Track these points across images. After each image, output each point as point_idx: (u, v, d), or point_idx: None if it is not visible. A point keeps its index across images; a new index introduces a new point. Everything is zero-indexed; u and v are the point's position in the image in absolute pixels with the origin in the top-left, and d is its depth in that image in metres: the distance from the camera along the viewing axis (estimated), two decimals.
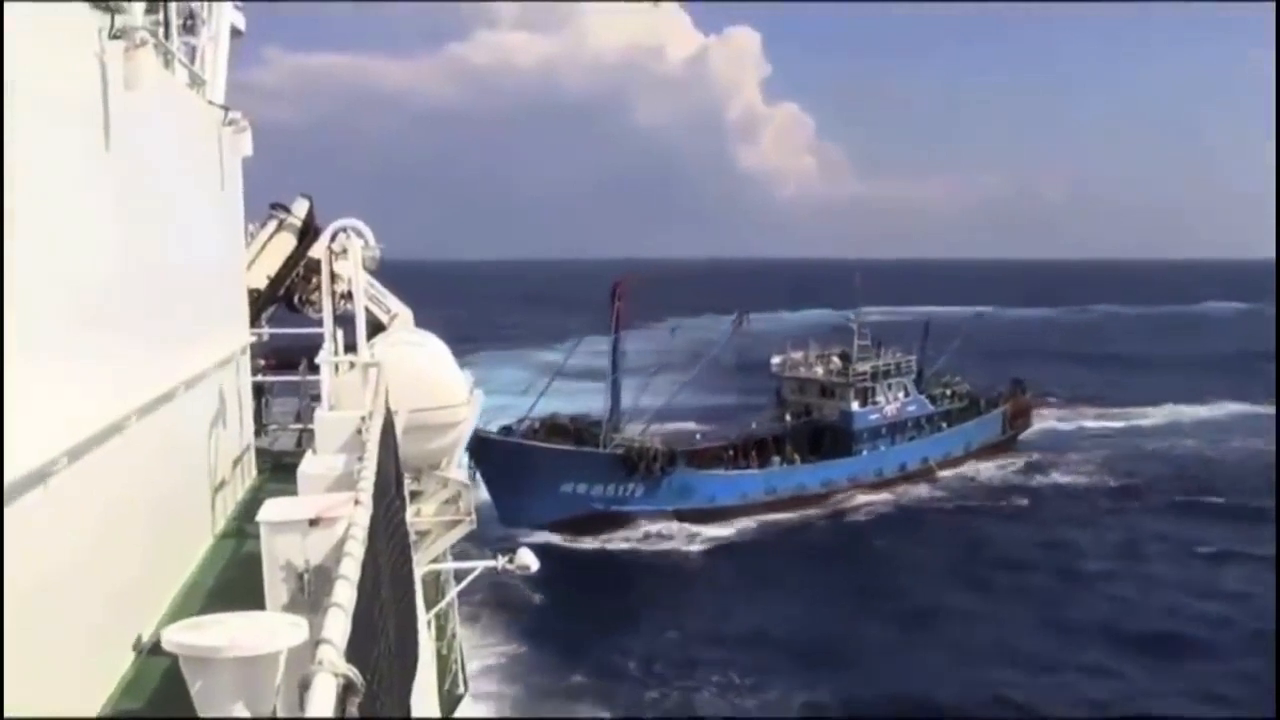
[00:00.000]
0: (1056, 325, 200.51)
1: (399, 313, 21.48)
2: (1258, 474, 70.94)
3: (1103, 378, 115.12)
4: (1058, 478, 73.53)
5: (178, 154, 12.35)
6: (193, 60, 14.97)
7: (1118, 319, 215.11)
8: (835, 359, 72.58)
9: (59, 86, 7.83)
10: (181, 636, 3.83)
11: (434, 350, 15.27)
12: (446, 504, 15.37)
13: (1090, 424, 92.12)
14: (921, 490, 70.23)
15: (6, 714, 6.51)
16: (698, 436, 67.66)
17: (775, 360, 74.19)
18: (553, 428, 60.73)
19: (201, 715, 3.95)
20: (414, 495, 15.14)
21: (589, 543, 57.68)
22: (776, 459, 66.45)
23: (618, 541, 58.99)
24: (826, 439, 69.21)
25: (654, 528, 60.47)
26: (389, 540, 7.34)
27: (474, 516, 15.22)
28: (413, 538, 14.42)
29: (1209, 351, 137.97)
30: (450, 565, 18.32)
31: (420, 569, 15.56)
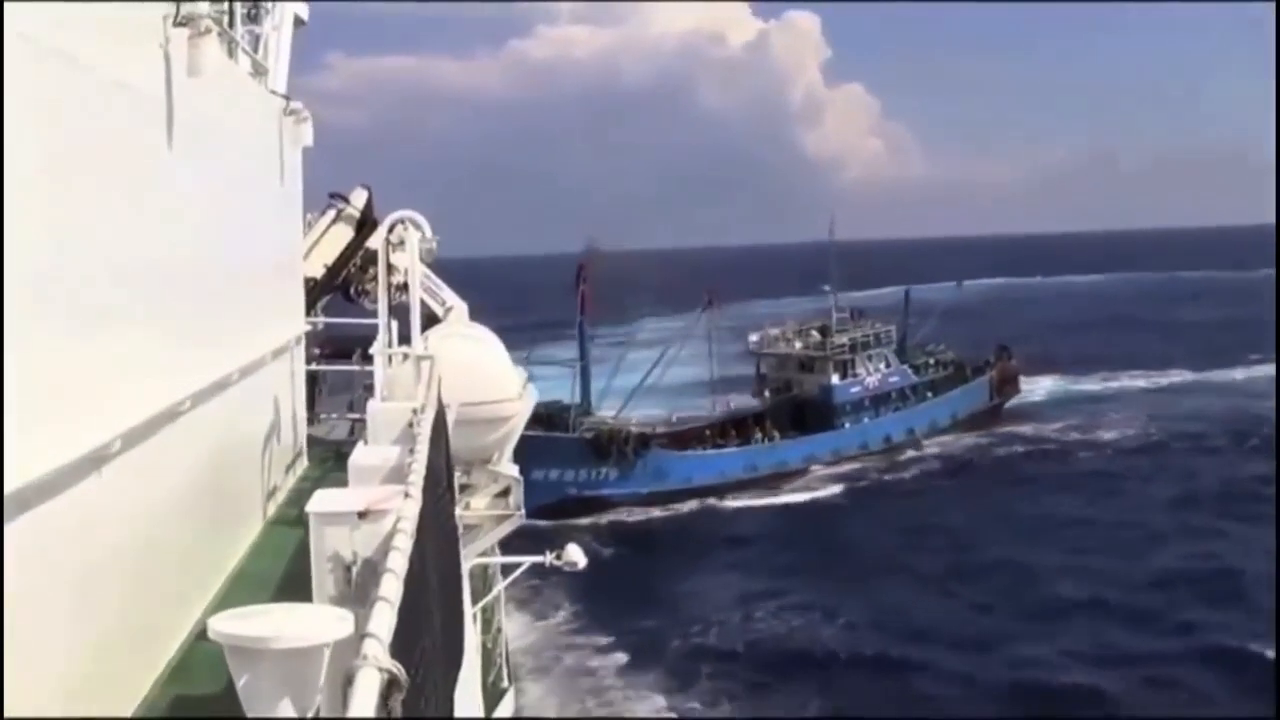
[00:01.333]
0: (1103, 293, 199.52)
1: (454, 305, 21.52)
2: None
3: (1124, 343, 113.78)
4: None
5: (239, 142, 12.42)
6: (256, 49, 15.05)
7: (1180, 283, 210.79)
8: (814, 333, 71.83)
9: (123, 72, 7.88)
10: (228, 626, 3.82)
11: (488, 344, 15.30)
12: (496, 498, 15.40)
13: (1076, 387, 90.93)
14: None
15: (57, 693, 6.55)
16: (673, 419, 66.16)
17: (753, 338, 73.54)
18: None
19: (246, 706, 3.94)
20: (464, 489, 15.19)
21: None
22: (759, 436, 65.39)
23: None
24: (808, 414, 68.17)
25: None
26: (437, 534, 7.33)
27: (523, 511, 15.23)
28: (461, 531, 14.49)
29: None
30: (498, 559, 18.36)
31: (468, 562, 15.61)
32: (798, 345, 71.48)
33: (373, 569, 5.27)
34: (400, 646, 4.19)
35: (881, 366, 72.09)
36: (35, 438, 6.05)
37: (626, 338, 70.82)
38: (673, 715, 35.11)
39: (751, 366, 74.37)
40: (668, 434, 63.81)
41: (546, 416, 58.65)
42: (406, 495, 5.65)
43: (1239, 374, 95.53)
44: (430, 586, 5.88)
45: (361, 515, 5.49)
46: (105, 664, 7.37)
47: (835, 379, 69.20)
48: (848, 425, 68.98)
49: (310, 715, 4.03)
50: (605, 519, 58.44)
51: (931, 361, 76.67)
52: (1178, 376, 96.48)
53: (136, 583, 8.02)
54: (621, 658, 39.90)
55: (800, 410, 68.61)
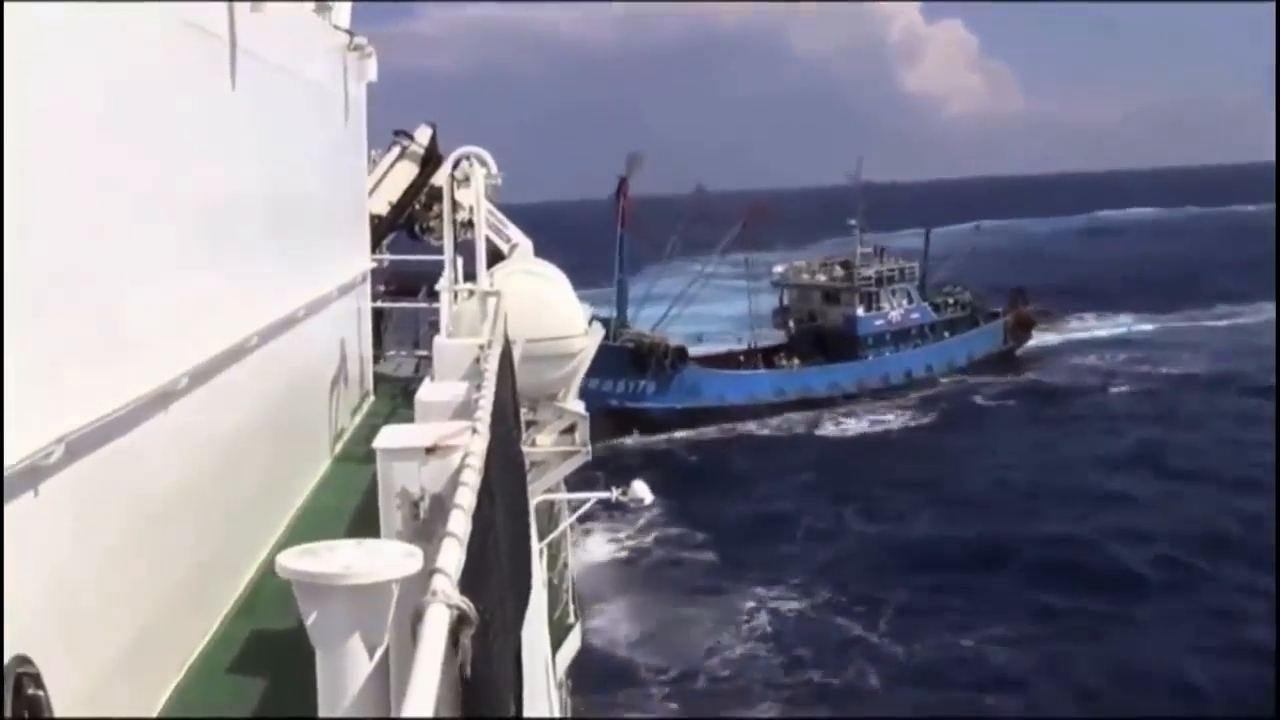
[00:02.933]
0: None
1: (519, 243, 21.47)
2: None
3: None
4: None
5: (303, 78, 12.36)
6: None
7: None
8: (837, 267, 72.01)
9: (186, 10, 7.82)
10: (297, 563, 3.77)
11: (553, 280, 15.21)
12: (563, 435, 15.38)
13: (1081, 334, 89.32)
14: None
15: (128, 628, 6.61)
16: (700, 339, 66.40)
17: (778, 269, 73.64)
18: None
19: (315, 642, 3.92)
20: (530, 425, 15.18)
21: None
22: (784, 363, 66.31)
23: None
24: (830, 344, 68.72)
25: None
26: (505, 470, 7.29)
27: (589, 447, 15.21)
28: (528, 468, 14.50)
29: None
30: (564, 496, 18.39)
31: (534, 499, 15.64)
32: (821, 277, 72.04)
33: (440, 505, 5.23)
34: (469, 583, 4.14)
35: (904, 302, 72.29)
36: (100, 377, 6.07)
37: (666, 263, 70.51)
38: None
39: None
40: (699, 357, 64.42)
41: None
42: (474, 431, 5.58)
43: None
44: (498, 523, 5.84)
45: (429, 451, 5.43)
46: (176, 600, 7.43)
47: (860, 311, 69.59)
48: (870, 357, 69.41)
49: (380, 651, 4.00)
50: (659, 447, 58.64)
51: (950, 301, 76.75)
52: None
53: (207, 518, 8.08)
54: None
55: (822, 340, 69.29)
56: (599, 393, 56.90)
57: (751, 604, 39.00)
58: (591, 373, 52.71)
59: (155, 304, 7.06)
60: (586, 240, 69.62)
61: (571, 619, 19.95)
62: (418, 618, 3.42)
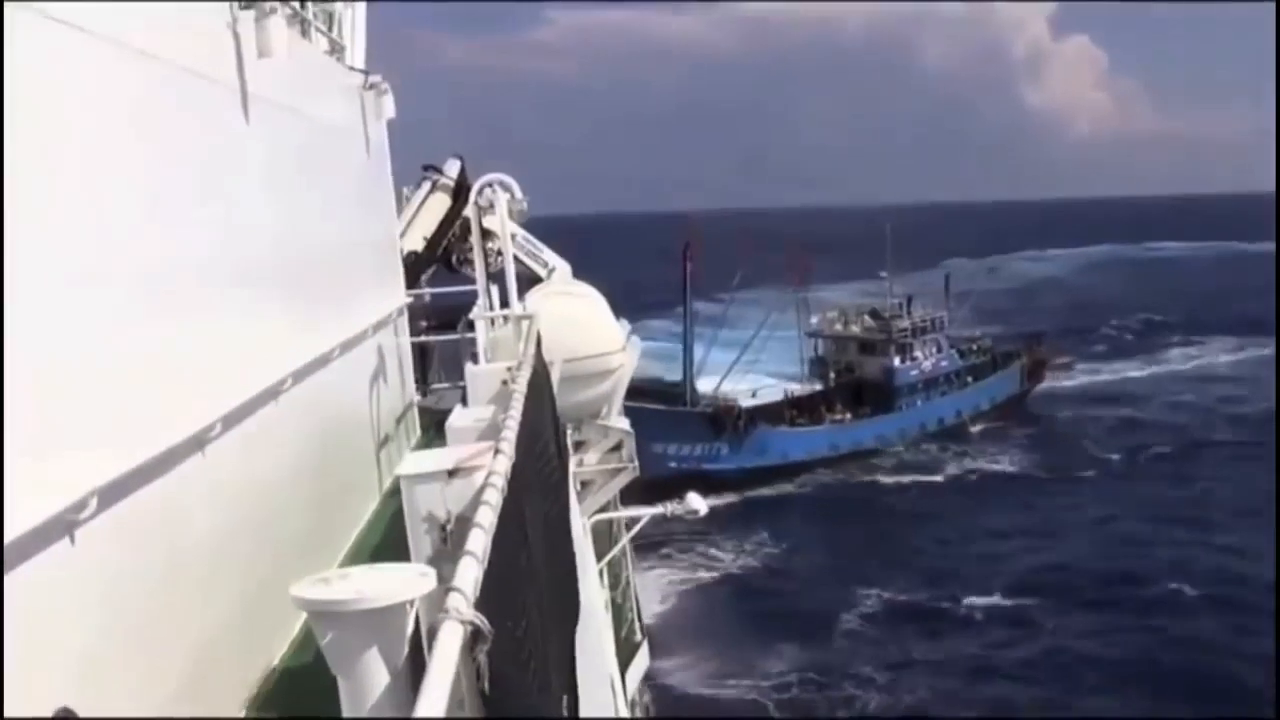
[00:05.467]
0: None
1: (556, 266, 21.53)
2: None
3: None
4: None
5: (319, 121, 12.46)
6: (330, 28, 15.09)
7: None
8: (867, 317, 73.93)
9: (193, 58, 7.90)
10: (310, 591, 3.79)
11: (588, 299, 15.24)
12: (610, 453, 15.39)
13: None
14: None
15: (171, 679, 6.64)
16: (753, 396, 67.36)
17: (814, 320, 75.15)
18: (633, 389, 59.76)
19: (332, 666, 3.93)
20: (578, 445, 15.19)
21: None
22: (828, 416, 67.74)
23: None
24: (868, 395, 70.23)
25: None
26: (540, 489, 7.27)
27: (636, 464, 15.20)
28: (577, 487, 14.49)
29: None
30: (620, 514, 18.37)
31: (589, 518, 15.62)
32: (854, 329, 73.88)
33: (466, 527, 5.23)
34: (495, 600, 4.13)
35: (934, 351, 74.17)
36: (131, 427, 6.12)
37: (723, 309, 71.79)
38: None
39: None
40: (756, 411, 65.71)
41: (660, 392, 60.32)
42: (497, 451, 5.59)
43: None
44: (530, 541, 5.83)
45: (452, 473, 5.45)
46: (221, 648, 7.45)
47: (896, 361, 71.21)
48: (904, 407, 71.17)
49: (400, 672, 4.00)
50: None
51: (974, 348, 79.34)
52: None
53: (250, 564, 8.12)
54: None
55: (860, 391, 70.83)
56: (678, 455, 59.25)
57: None
58: (672, 436, 53.82)
59: (181, 352, 7.11)
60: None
61: (639, 636, 19.92)
62: (431, 635, 3.43)
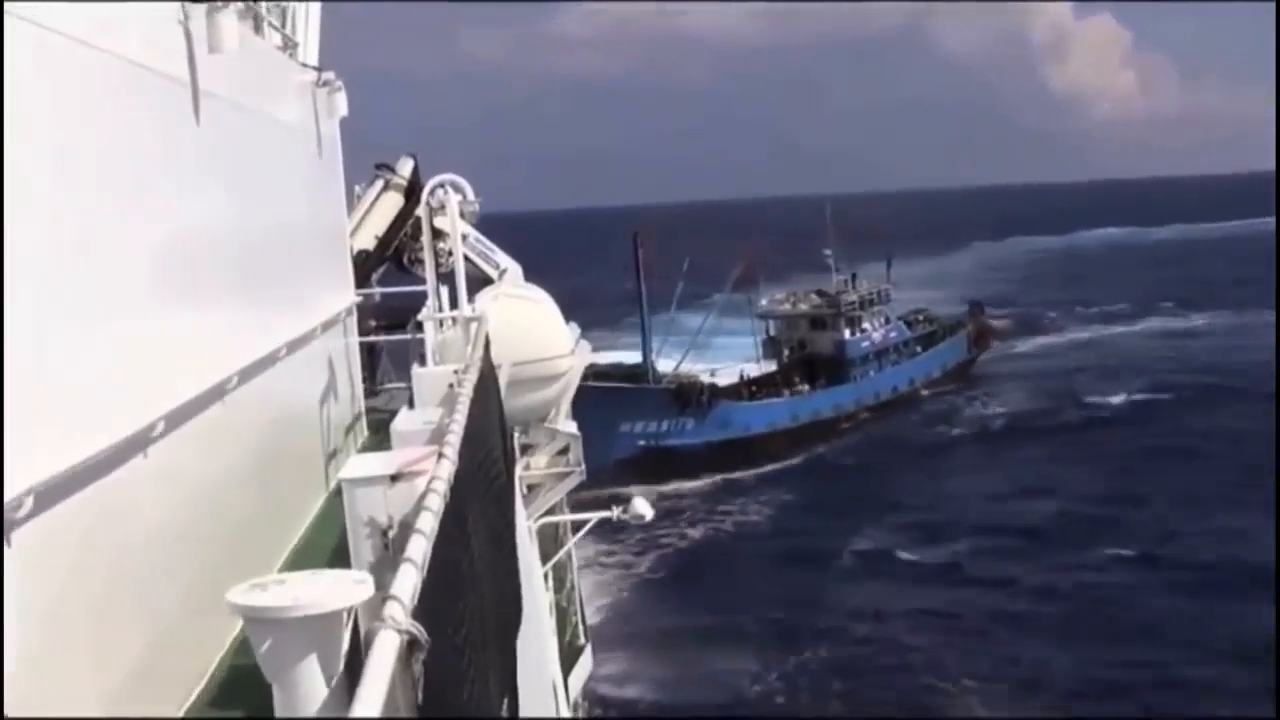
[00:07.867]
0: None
1: (508, 268, 21.48)
2: None
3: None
4: None
5: (270, 117, 12.38)
6: (284, 24, 14.99)
7: None
8: (813, 295, 76.96)
9: (143, 52, 7.82)
10: (245, 598, 3.76)
11: (537, 302, 15.24)
12: (557, 456, 15.38)
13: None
14: None
15: (118, 678, 6.57)
16: (710, 374, 69.38)
17: (763, 302, 77.69)
18: (596, 373, 61.53)
19: (267, 674, 3.90)
20: (525, 449, 15.17)
21: None
22: (785, 390, 70.23)
23: None
24: (821, 369, 73.05)
25: None
26: (484, 493, 7.26)
27: (584, 467, 15.20)
28: (523, 491, 14.47)
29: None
30: (565, 517, 18.38)
31: (535, 521, 15.60)
32: (803, 307, 76.38)
33: (408, 532, 5.22)
34: (434, 607, 4.12)
35: (881, 323, 77.36)
36: (69, 427, 6.04)
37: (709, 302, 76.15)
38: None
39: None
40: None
41: (623, 375, 62.60)
42: (441, 456, 5.57)
43: None
44: (472, 546, 5.82)
45: (394, 478, 5.43)
46: (168, 646, 7.38)
47: (847, 334, 74.20)
48: (858, 378, 73.97)
49: (334, 679, 3.98)
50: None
51: (920, 318, 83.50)
52: None
53: (196, 561, 8.05)
54: None
55: (813, 365, 73.48)
56: (644, 433, 61.28)
57: None
58: (637, 414, 55.57)
59: (121, 351, 7.03)
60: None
61: (582, 640, 19.92)
62: (367, 643, 3.41)
